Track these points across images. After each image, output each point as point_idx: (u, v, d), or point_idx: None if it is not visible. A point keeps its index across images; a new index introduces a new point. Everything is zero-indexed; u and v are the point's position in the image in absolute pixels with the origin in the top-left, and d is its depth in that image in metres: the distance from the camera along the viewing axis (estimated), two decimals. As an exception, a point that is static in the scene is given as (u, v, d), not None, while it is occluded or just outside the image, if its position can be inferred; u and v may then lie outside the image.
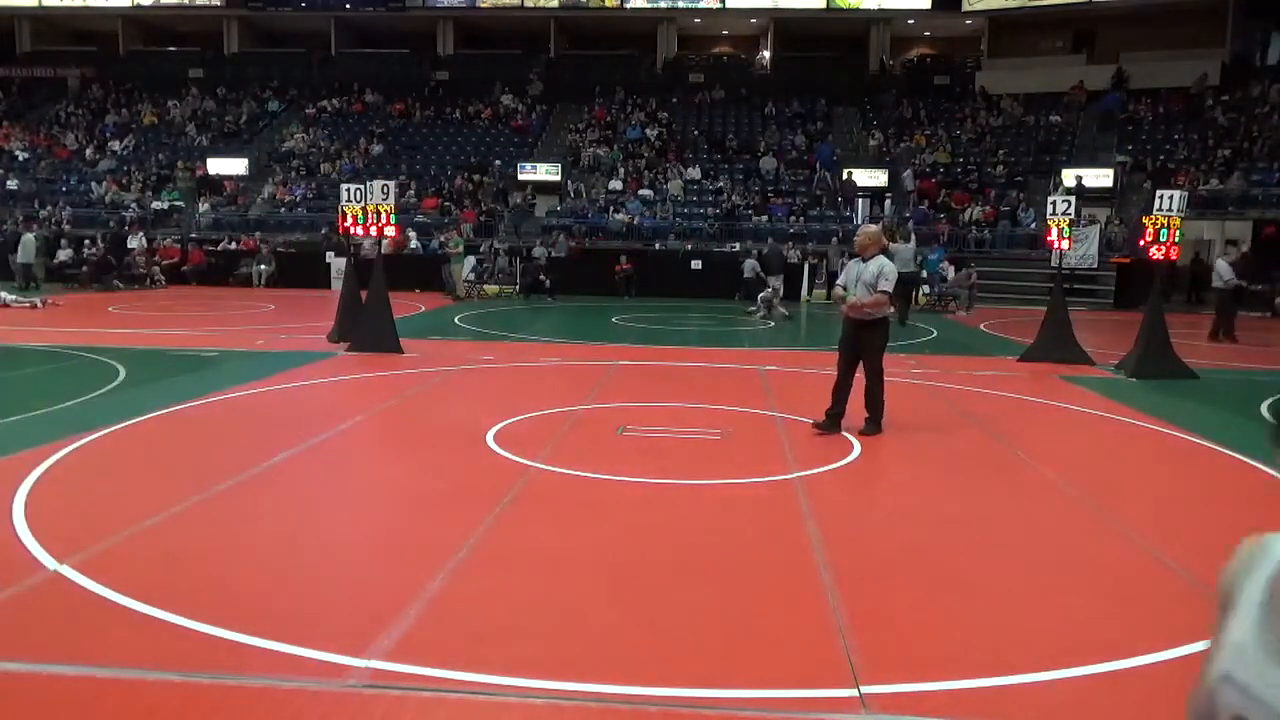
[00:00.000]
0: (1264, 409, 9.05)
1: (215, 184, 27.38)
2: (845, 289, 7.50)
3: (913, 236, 19.06)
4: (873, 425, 7.42)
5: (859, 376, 7.48)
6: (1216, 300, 14.97)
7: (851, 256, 8.20)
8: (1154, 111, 27.44)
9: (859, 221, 24.22)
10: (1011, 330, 15.75)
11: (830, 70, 32.36)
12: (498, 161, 28.30)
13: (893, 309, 8.41)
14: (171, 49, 35.59)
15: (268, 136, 30.29)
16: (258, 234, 24.43)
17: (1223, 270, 14.73)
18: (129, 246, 22.66)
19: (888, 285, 7.22)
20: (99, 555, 4.41)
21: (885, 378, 7.51)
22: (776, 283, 18.21)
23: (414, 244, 23.12)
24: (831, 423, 7.38)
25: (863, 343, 7.41)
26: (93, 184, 27.68)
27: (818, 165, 26.76)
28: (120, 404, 8.04)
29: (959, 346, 14.04)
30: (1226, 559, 1.13)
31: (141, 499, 5.35)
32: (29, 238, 20.51)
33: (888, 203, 25.11)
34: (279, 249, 23.54)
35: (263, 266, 22.72)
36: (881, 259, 7.34)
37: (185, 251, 23.78)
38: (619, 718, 3.10)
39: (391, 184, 12.55)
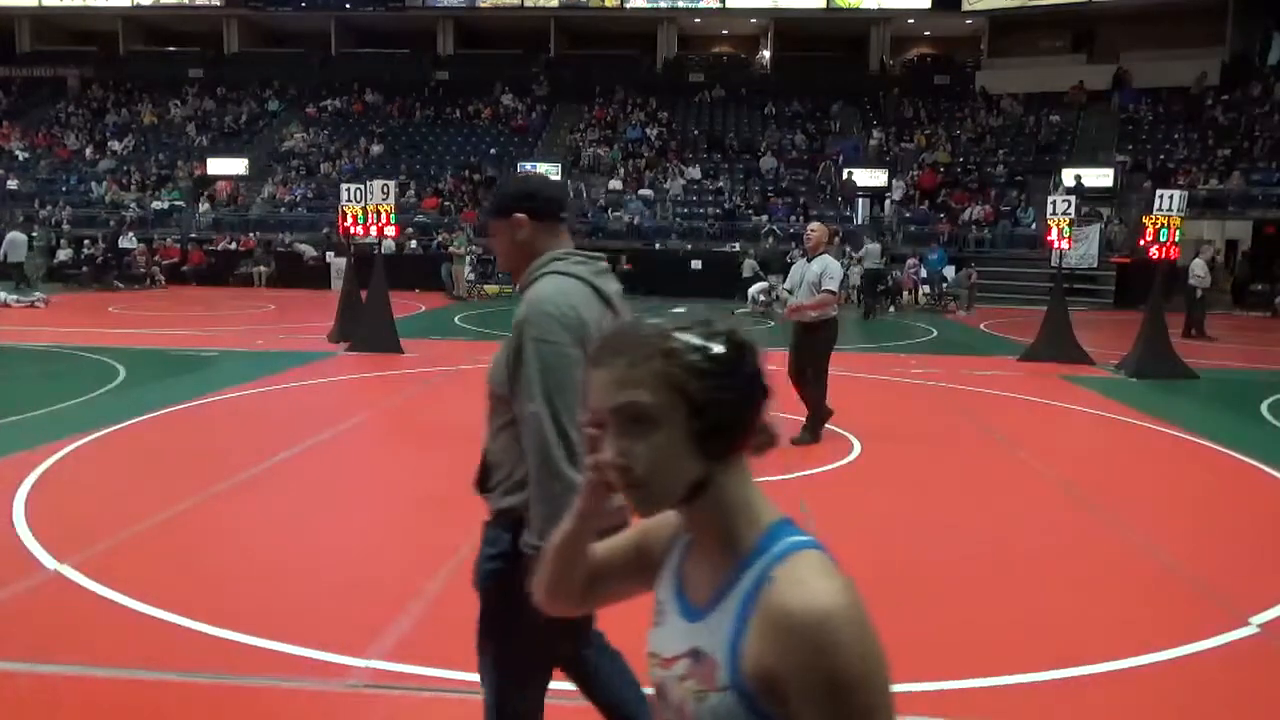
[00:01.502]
0: (1264, 409, 9.06)
1: (210, 188, 27.30)
2: (790, 292, 7.23)
3: (876, 238, 19.81)
4: (808, 434, 7.02)
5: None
6: (1189, 299, 14.98)
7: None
8: (1154, 111, 27.45)
9: (860, 222, 24.27)
10: (1011, 330, 15.75)
11: (830, 70, 32.36)
12: (491, 152, 28.32)
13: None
14: (171, 49, 35.54)
15: (268, 136, 30.28)
16: (256, 234, 24.44)
17: (1198, 269, 14.77)
18: (121, 246, 22.64)
19: (832, 284, 6.95)
20: (99, 555, 4.41)
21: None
22: (776, 281, 18.27)
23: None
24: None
25: (807, 345, 7.09)
26: (93, 184, 27.68)
27: (828, 164, 26.64)
28: (120, 404, 8.03)
29: (959, 346, 14.04)
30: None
31: (141, 499, 5.35)
32: (18, 236, 20.26)
33: (888, 203, 25.13)
34: (279, 249, 23.57)
35: (261, 267, 22.74)
36: (826, 258, 7.06)
37: (185, 251, 23.79)
38: (619, 718, 3.09)
39: (391, 184, 12.56)
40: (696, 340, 1.06)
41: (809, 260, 7.14)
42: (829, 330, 7.13)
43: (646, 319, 1.10)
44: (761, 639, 1.00)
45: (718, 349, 1.06)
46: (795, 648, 0.96)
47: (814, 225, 7.45)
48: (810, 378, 7.09)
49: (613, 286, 2.26)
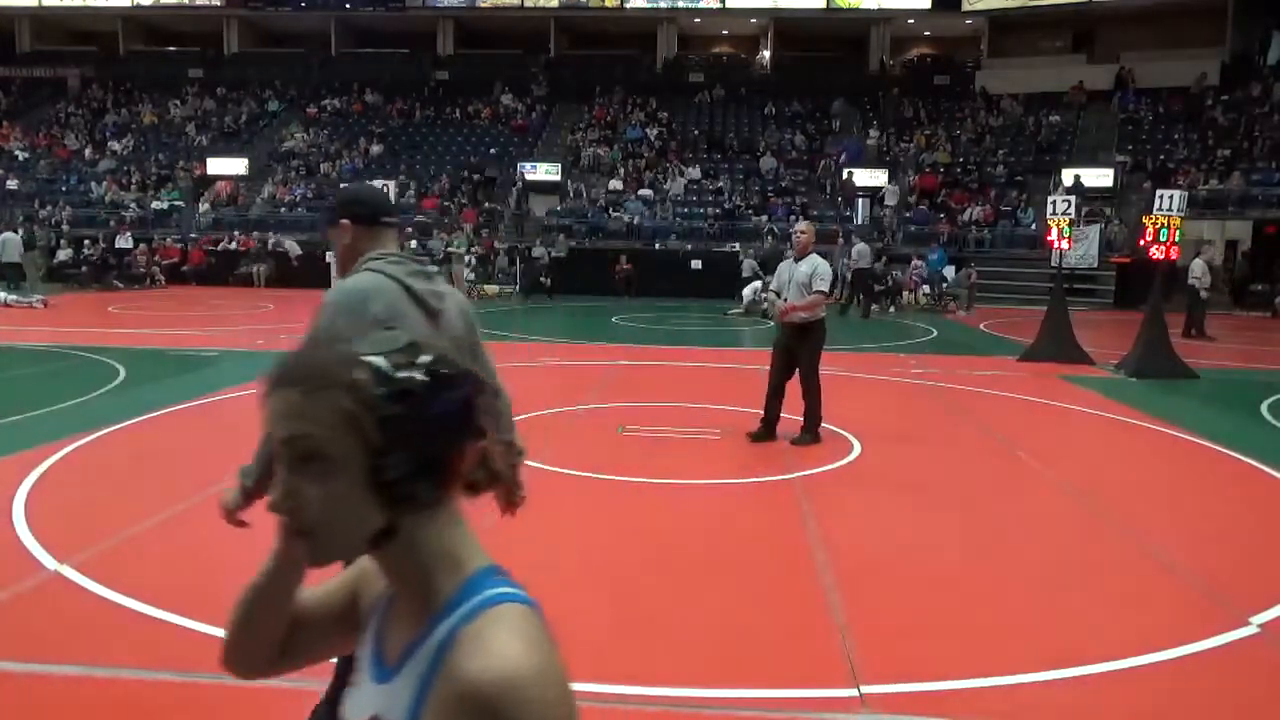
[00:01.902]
0: (1264, 409, 9.05)
1: (210, 189, 27.27)
2: (776, 293, 7.14)
3: (876, 237, 20.39)
4: (808, 435, 6.97)
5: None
6: (1190, 299, 15.00)
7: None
8: (1154, 111, 27.45)
9: (859, 222, 24.27)
10: (1011, 330, 15.76)
11: (830, 70, 32.37)
12: (491, 152, 28.36)
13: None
14: (171, 49, 35.55)
15: (268, 136, 30.28)
16: (255, 234, 24.45)
17: (1196, 269, 14.78)
18: (118, 246, 22.62)
19: (823, 285, 6.90)
20: (99, 555, 4.41)
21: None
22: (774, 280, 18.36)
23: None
24: (766, 430, 7.05)
25: (798, 347, 6.99)
26: (92, 184, 27.68)
27: (828, 163, 26.65)
28: (120, 404, 8.03)
29: (959, 346, 14.05)
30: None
31: (141, 499, 5.34)
32: (11, 236, 20.15)
33: (887, 199, 25.16)
34: (277, 249, 23.58)
35: (260, 265, 22.75)
36: (815, 258, 7.01)
37: (185, 251, 23.79)
38: (619, 718, 3.09)
39: (391, 184, 12.57)
40: (388, 369, 0.92)
41: (796, 260, 7.07)
42: (820, 331, 7.09)
43: (338, 340, 0.96)
44: (439, 708, 0.88)
45: (413, 381, 0.92)
46: (470, 717, 0.84)
47: (803, 226, 7.37)
48: (805, 381, 7.02)
49: (428, 286, 2.42)
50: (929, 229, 23.86)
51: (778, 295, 7.17)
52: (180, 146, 29.68)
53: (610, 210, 25.30)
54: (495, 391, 2.57)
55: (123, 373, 9.63)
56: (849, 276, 19.18)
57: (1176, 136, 26.19)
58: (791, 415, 7.16)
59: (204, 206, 26.31)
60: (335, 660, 1.97)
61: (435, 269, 2.54)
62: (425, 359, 0.94)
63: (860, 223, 24.11)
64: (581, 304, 20.15)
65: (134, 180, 27.63)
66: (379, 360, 0.92)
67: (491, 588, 0.94)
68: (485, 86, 31.51)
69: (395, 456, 0.91)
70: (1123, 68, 28.48)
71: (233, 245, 24.06)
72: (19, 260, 19.65)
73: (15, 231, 20.39)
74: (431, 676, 0.90)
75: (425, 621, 0.94)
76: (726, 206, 25.31)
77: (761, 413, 7.14)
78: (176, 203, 26.55)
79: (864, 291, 18.78)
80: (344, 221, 2.50)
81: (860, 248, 19.18)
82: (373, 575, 1.07)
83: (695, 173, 27.13)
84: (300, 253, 23.23)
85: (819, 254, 7.23)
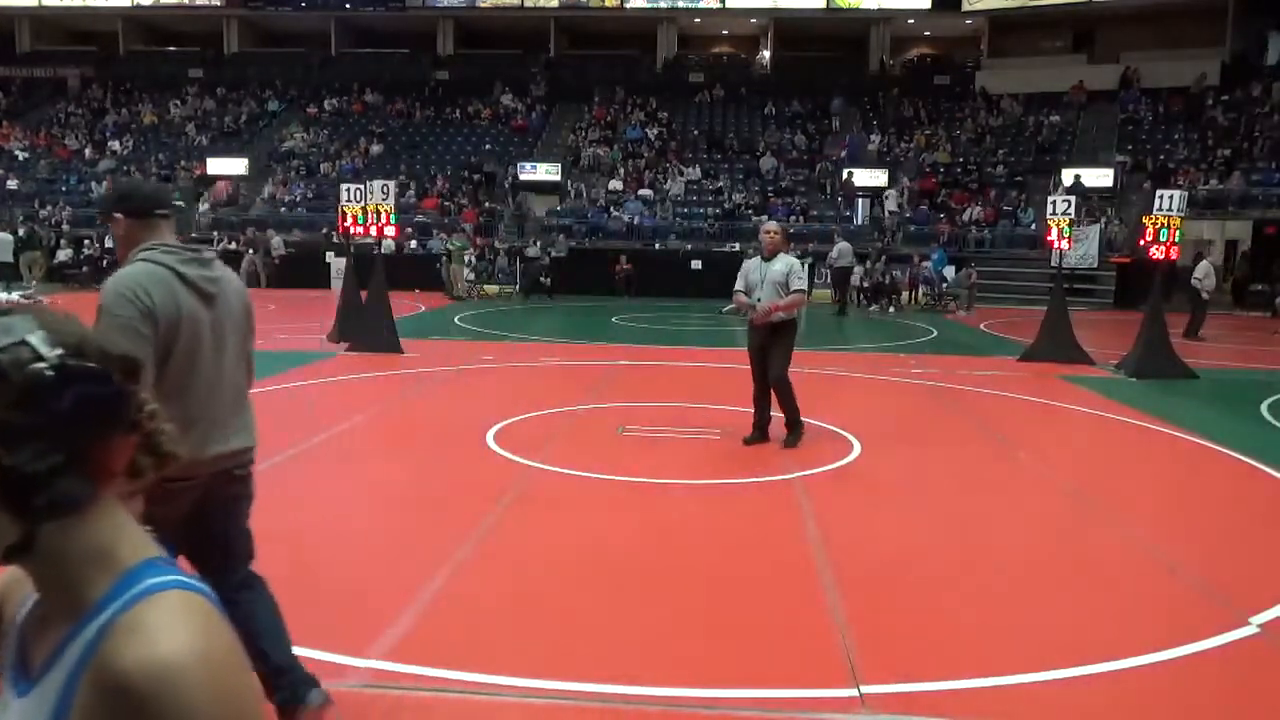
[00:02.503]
0: (1264, 409, 9.06)
1: (209, 189, 27.28)
2: (746, 294, 6.99)
3: (878, 237, 21.09)
4: (793, 436, 6.95)
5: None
6: (1193, 299, 15.00)
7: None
8: (1154, 111, 27.46)
9: (859, 221, 24.28)
10: (1011, 330, 15.76)
11: (830, 70, 32.39)
12: (489, 150, 28.36)
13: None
14: (171, 49, 35.57)
15: (268, 136, 30.29)
16: (253, 232, 24.45)
17: (1201, 271, 14.76)
18: (108, 246, 22.63)
19: (802, 283, 6.86)
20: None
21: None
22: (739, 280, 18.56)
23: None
24: (759, 434, 7.01)
25: (772, 347, 6.89)
26: (92, 184, 27.68)
27: (833, 162, 26.65)
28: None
29: (959, 346, 14.04)
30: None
31: (141, 499, 5.33)
32: (4, 236, 20.11)
33: (886, 205, 25.16)
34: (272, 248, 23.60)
35: (252, 252, 22.77)
36: (787, 257, 6.94)
37: (185, 251, 23.76)
38: (619, 718, 3.09)
39: (391, 184, 12.56)
40: (2, 367, 0.81)
41: (766, 260, 6.95)
42: (793, 330, 7.02)
43: None
44: (87, 708, 0.78)
45: (39, 377, 0.81)
46: (124, 713, 0.75)
47: (772, 225, 7.27)
48: (776, 382, 6.92)
49: (202, 273, 2.56)
50: (929, 229, 23.87)
51: (747, 295, 7.01)
52: (180, 146, 29.69)
53: (610, 210, 25.31)
54: (242, 392, 2.65)
55: (123, 373, 9.61)
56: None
57: (1176, 136, 26.21)
58: (782, 414, 7.17)
59: (203, 206, 26.31)
60: None
61: (212, 255, 2.65)
62: (54, 352, 0.82)
63: (860, 223, 24.12)
64: (581, 304, 20.15)
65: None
66: None
67: (154, 576, 0.84)
68: (485, 86, 31.53)
69: (22, 462, 0.80)
70: (1127, 68, 28.49)
71: (233, 245, 24.04)
72: (11, 260, 19.73)
73: (15, 232, 20.41)
74: (78, 677, 0.80)
75: (74, 621, 0.84)
76: (726, 206, 25.32)
77: (754, 417, 7.11)
78: (176, 203, 26.50)
79: (841, 289, 19.13)
80: (117, 215, 2.62)
81: (842, 246, 19.40)
82: (22, 579, 0.95)
83: (695, 173, 27.14)
84: (283, 251, 23.22)
85: (797, 254, 7.19)
